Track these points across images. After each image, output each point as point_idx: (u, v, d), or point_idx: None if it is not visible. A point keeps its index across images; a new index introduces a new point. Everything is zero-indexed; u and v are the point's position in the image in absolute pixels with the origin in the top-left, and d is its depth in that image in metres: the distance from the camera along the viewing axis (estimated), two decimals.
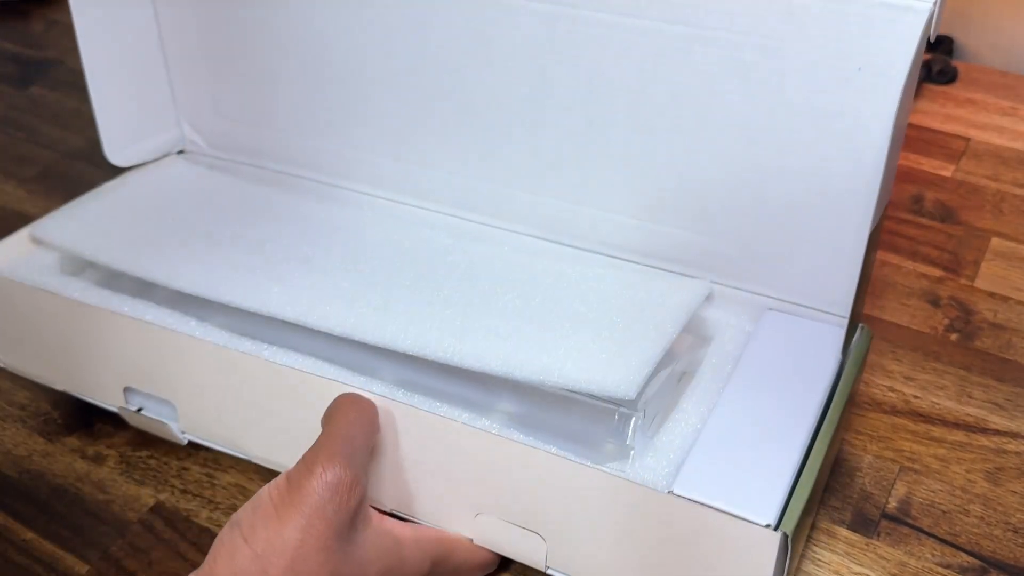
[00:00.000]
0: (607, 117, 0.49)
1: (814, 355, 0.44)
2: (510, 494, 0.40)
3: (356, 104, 0.58)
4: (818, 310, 0.46)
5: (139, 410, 0.49)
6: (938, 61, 0.76)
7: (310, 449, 0.37)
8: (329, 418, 0.39)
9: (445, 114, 0.55)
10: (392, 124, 0.57)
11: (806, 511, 0.38)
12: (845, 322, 0.45)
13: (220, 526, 0.48)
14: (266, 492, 0.36)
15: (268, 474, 0.48)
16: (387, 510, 0.45)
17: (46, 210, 0.54)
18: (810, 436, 0.40)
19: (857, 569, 0.44)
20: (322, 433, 0.38)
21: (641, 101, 0.48)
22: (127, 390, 0.49)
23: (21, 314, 0.50)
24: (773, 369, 0.43)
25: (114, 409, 0.50)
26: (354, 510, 0.36)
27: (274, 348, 0.45)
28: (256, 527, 0.35)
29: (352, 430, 0.38)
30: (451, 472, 0.41)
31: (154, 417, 0.49)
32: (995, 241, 0.60)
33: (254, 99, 0.60)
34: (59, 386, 0.51)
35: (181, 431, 0.49)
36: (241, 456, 0.48)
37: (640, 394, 0.40)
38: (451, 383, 0.43)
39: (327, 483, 0.35)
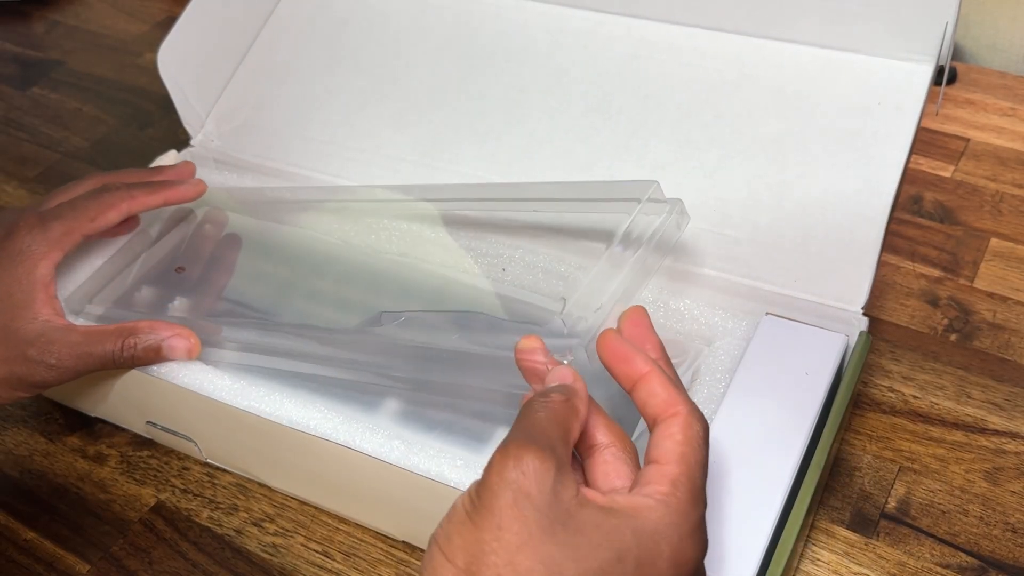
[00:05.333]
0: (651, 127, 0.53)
1: (810, 368, 0.44)
2: None
3: (371, 98, 0.59)
4: (832, 306, 0.47)
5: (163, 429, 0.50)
6: None
7: (499, 448, 0.33)
8: (521, 413, 0.35)
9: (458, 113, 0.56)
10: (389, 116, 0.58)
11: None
12: (856, 318, 0.46)
13: (221, 525, 0.48)
14: (459, 501, 0.33)
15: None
16: (398, 539, 0.45)
17: None
18: (793, 481, 0.40)
19: (856, 569, 0.44)
20: (511, 430, 0.34)
21: (687, 117, 0.53)
22: (150, 423, 0.50)
23: None
24: (765, 390, 0.43)
25: (141, 432, 0.51)
26: (551, 494, 0.31)
27: (274, 396, 0.45)
28: (453, 539, 0.31)
29: (542, 425, 0.34)
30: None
31: (179, 437, 0.50)
32: (994, 241, 0.60)
33: (268, 92, 0.61)
34: (91, 412, 0.53)
35: (205, 458, 0.50)
36: (262, 483, 0.49)
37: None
38: (450, 412, 0.45)
39: (511, 474, 0.31)
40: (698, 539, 0.33)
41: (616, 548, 0.31)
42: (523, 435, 0.33)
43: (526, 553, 0.30)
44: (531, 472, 0.31)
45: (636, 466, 0.35)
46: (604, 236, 0.49)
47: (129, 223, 0.53)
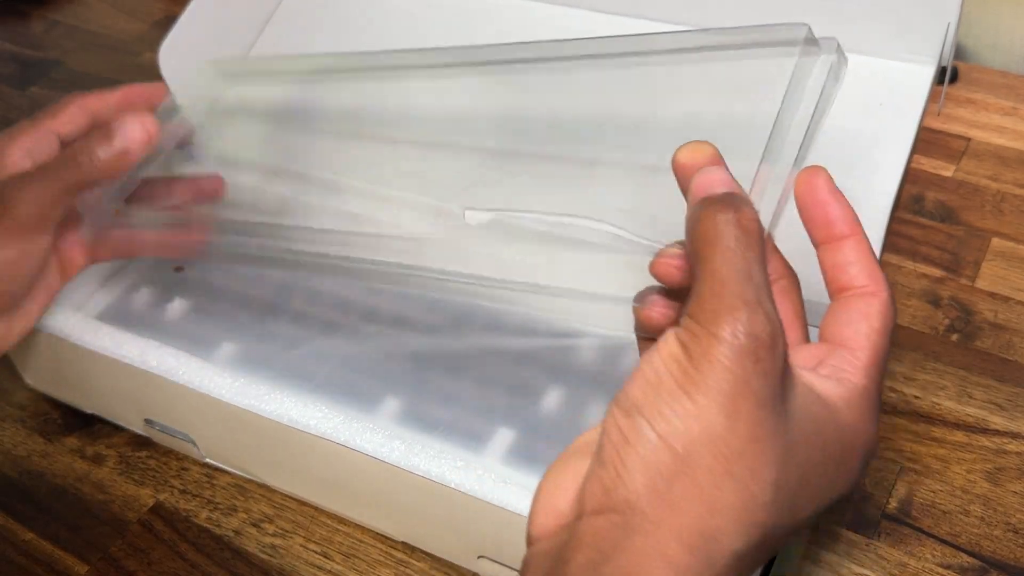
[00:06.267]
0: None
1: None
2: (506, 543, 0.41)
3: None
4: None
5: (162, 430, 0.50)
6: None
7: (700, 300, 0.26)
8: (705, 248, 0.28)
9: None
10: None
11: None
12: None
13: (220, 526, 0.48)
14: (661, 366, 0.26)
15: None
16: (398, 540, 0.46)
17: None
18: None
19: (857, 569, 0.44)
20: (703, 274, 0.27)
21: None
22: (147, 421, 0.50)
23: (39, 352, 0.51)
24: None
25: (139, 431, 0.51)
26: (782, 372, 0.26)
27: (275, 395, 0.45)
28: (670, 420, 0.25)
29: (745, 259, 0.27)
30: (451, 521, 0.43)
31: (178, 437, 0.49)
32: (995, 241, 0.60)
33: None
34: (88, 410, 0.53)
35: (203, 456, 0.50)
36: (261, 482, 0.49)
37: None
38: (451, 410, 0.45)
39: (743, 347, 0.25)
40: (878, 429, 0.30)
41: (821, 445, 0.28)
42: (732, 283, 0.26)
43: (757, 450, 0.25)
44: (765, 347, 0.25)
45: (801, 305, 0.32)
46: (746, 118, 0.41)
47: (131, 152, 0.43)
